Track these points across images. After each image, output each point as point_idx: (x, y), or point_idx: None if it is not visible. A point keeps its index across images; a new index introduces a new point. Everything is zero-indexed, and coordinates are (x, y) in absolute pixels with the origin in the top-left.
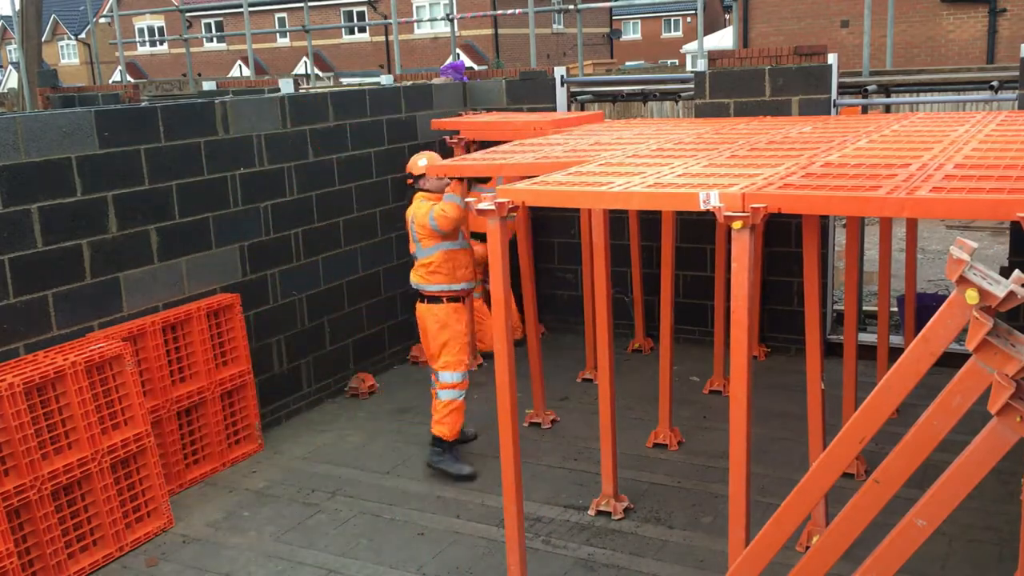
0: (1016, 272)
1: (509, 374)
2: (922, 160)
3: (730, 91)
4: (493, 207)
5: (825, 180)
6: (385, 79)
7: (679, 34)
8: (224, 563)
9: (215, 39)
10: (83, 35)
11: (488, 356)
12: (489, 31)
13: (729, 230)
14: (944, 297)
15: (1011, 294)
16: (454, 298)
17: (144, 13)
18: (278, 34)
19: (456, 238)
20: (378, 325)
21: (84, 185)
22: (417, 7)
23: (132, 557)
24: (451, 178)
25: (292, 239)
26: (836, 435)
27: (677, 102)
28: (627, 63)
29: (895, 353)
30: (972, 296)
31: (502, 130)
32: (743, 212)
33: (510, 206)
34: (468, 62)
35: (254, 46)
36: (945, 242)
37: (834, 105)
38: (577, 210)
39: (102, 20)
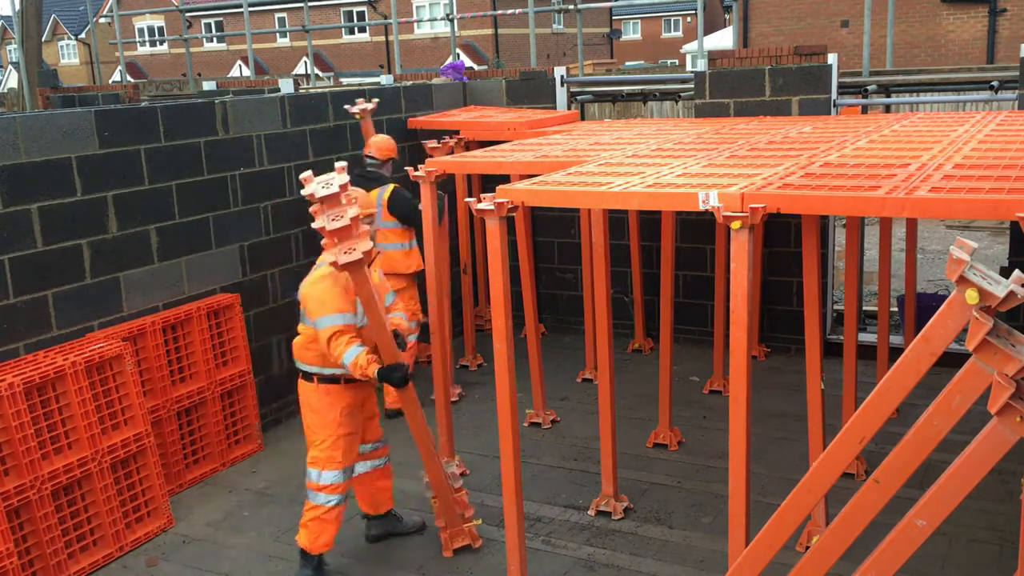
0: (1016, 272)
1: (509, 374)
2: (921, 160)
3: (730, 91)
4: (493, 207)
5: (824, 180)
6: (385, 79)
7: (679, 34)
8: (224, 563)
9: (215, 39)
10: (83, 35)
11: (488, 357)
12: (489, 31)
13: (728, 230)
14: (944, 297)
15: (1011, 294)
16: (329, 379)
17: (144, 13)
18: (278, 34)
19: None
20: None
21: (84, 185)
22: (417, 7)
23: (132, 557)
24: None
25: (292, 239)
26: (836, 435)
27: (677, 102)
28: (627, 63)
29: (895, 353)
30: (972, 296)
31: (476, 129)
32: (742, 212)
33: (510, 206)
34: (468, 62)
35: (254, 46)
36: (945, 242)
37: (834, 105)
38: (577, 210)
39: (102, 20)
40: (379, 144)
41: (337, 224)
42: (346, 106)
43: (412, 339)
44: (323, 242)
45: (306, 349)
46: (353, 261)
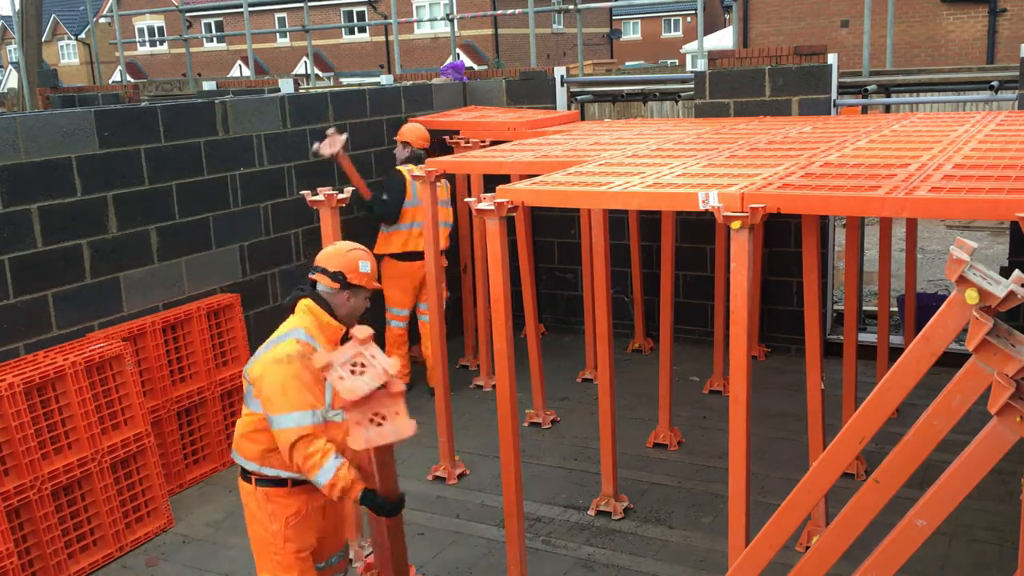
0: (1016, 272)
1: (509, 374)
2: (921, 160)
3: (730, 91)
4: (493, 207)
5: (824, 180)
6: (385, 79)
7: (679, 34)
8: (224, 563)
9: (215, 39)
10: (83, 35)
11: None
12: (489, 31)
13: (728, 230)
14: (944, 297)
15: (1011, 294)
16: (271, 481)
17: (144, 13)
18: (278, 34)
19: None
20: (378, 325)
21: (84, 185)
22: (417, 7)
23: (132, 557)
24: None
25: (292, 239)
26: (836, 435)
27: (677, 102)
28: (627, 63)
29: (895, 353)
30: (972, 296)
31: (476, 129)
32: (742, 212)
33: (510, 206)
34: (468, 62)
35: (254, 46)
36: (945, 242)
37: (834, 105)
38: (577, 210)
39: (102, 20)
40: (406, 128)
41: (367, 384)
42: (314, 147)
43: (397, 325)
44: (339, 405)
45: (248, 440)
46: (386, 445)
